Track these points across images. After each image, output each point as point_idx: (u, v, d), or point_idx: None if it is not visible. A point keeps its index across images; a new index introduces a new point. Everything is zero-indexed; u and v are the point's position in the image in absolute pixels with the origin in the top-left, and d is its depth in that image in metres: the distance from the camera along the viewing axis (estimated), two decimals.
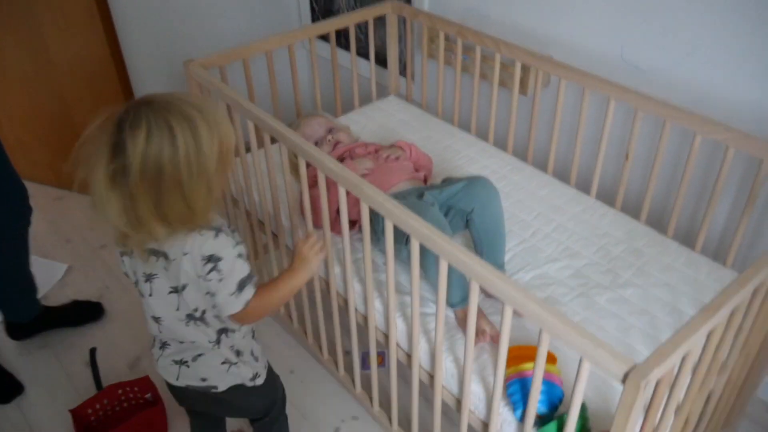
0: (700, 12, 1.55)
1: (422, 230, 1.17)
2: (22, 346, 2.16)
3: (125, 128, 1.01)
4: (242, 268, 1.14)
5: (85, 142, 1.05)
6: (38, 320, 2.15)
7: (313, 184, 1.73)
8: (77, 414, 1.78)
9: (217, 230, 1.11)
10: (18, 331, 2.15)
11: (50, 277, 2.43)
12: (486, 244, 1.57)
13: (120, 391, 1.87)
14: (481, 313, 1.43)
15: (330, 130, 1.93)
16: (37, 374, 2.07)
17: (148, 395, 1.91)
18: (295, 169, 1.84)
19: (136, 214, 1.05)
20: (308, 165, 1.47)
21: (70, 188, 2.88)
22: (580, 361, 0.98)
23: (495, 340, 1.39)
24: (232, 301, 1.14)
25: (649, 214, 1.76)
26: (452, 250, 1.12)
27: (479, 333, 1.39)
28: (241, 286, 1.14)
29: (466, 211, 1.57)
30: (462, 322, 1.44)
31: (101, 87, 2.43)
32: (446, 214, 1.59)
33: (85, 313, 2.24)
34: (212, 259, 1.10)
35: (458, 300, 1.45)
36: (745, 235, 1.65)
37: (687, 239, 1.81)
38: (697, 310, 1.46)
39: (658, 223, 1.85)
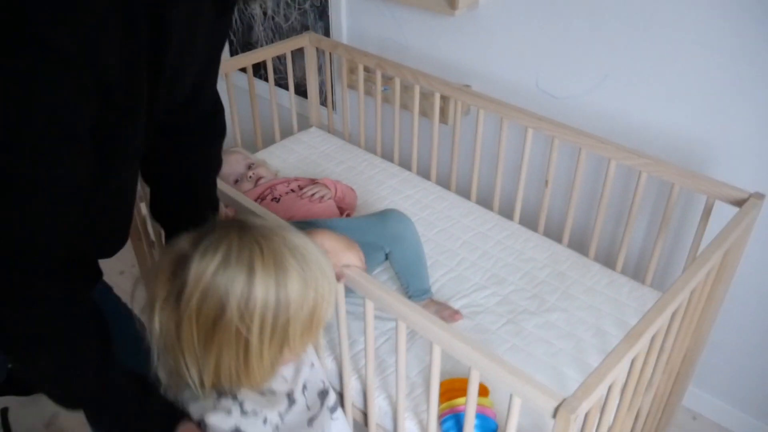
0: (611, 39, 1.61)
1: (346, 272, 1.15)
2: None
3: (199, 244, 0.83)
4: None
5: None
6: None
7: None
8: None
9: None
10: None
11: None
12: (409, 274, 1.58)
13: None
14: (441, 305, 1.55)
15: (249, 166, 1.89)
16: None
17: None
18: None
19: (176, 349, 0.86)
20: (227, 205, 1.43)
21: None
22: (511, 397, 0.98)
23: (457, 316, 1.53)
24: None
25: (571, 237, 1.81)
26: (378, 293, 1.10)
27: (449, 317, 1.51)
28: None
29: (382, 246, 1.57)
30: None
31: None
32: (365, 250, 1.58)
33: None
34: None
35: (419, 294, 1.55)
36: (662, 254, 1.71)
37: (608, 260, 1.86)
38: (620, 329, 1.51)
39: (579, 245, 1.90)
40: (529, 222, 1.95)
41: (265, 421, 0.93)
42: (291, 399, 0.99)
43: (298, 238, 0.87)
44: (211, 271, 0.80)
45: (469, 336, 1.03)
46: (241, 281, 0.80)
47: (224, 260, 0.80)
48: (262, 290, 0.80)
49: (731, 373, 1.83)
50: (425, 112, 2.01)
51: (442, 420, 1.23)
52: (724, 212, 1.57)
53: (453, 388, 1.26)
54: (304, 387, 1.03)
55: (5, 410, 1.97)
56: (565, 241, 1.78)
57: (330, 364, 1.45)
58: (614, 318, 1.54)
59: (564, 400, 0.92)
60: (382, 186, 2.01)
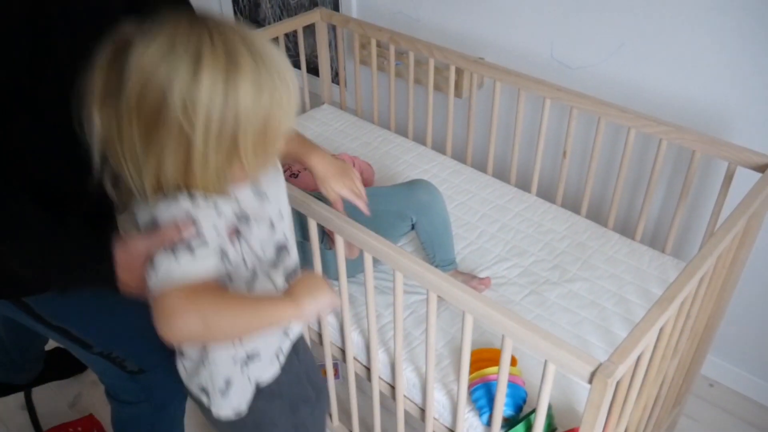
0: (626, 7, 1.60)
1: (374, 244, 1.15)
2: None
3: (143, 28, 0.74)
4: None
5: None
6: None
7: None
8: None
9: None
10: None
11: None
12: (436, 244, 1.58)
13: None
14: (466, 276, 1.57)
15: None
16: None
17: None
18: None
19: (118, 151, 0.78)
20: None
21: None
22: (545, 363, 0.99)
23: (487, 281, 1.56)
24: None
25: (589, 207, 1.81)
26: (407, 263, 1.11)
27: (477, 286, 1.53)
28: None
29: (409, 215, 1.57)
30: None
31: None
32: (391, 219, 1.58)
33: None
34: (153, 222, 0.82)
35: (445, 264, 1.57)
36: (681, 222, 1.72)
37: (626, 229, 1.87)
38: (642, 298, 1.52)
39: (597, 215, 1.90)
40: (547, 193, 1.95)
41: (219, 214, 0.83)
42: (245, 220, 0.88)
43: (258, 38, 0.78)
44: (153, 58, 0.72)
45: (501, 305, 1.03)
46: (185, 71, 0.72)
47: (169, 47, 0.72)
48: (209, 84, 0.72)
49: (748, 340, 1.84)
50: (439, 86, 2.00)
51: (471, 389, 1.24)
52: (744, 178, 1.57)
53: (482, 358, 1.27)
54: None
55: (29, 391, 1.99)
56: (583, 211, 1.78)
57: (356, 337, 1.46)
58: (636, 286, 1.55)
59: (600, 364, 0.92)
60: (398, 161, 2.01)
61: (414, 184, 1.57)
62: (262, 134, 0.78)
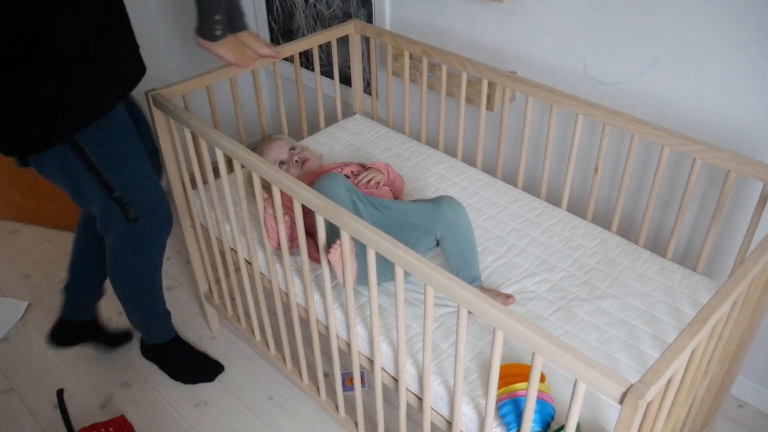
0: (662, 24, 1.60)
1: (405, 257, 1.16)
2: None
3: None
4: None
5: None
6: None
7: (288, 210, 1.71)
8: None
9: None
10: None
11: (10, 315, 2.33)
12: (460, 261, 1.59)
13: None
14: (491, 292, 1.57)
15: (292, 149, 1.92)
16: (2, 419, 1.98)
17: None
18: (267, 190, 1.82)
19: None
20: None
21: (26, 220, 2.78)
22: (576, 382, 0.99)
23: (512, 300, 1.56)
24: None
25: (619, 224, 1.80)
26: (439, 278, 1.12)
27: (503, 302, 1.53)
28: None
29: (435, 231, 1.58)
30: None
31: None
32: (417, 234, 1.59)
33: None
34: None
35: (468, 281, 1.57)
36: (713, 241, 1.70)
37: (656, 247, 1.86)
38: (673, 317, 1.51)
39: (628, 232, 1.89)
40: (577, 209, 1.95)
41: None
42: None
43: None
44: None
45: (532, 322, 1.04)
46: None
47: None
48: None
49: None
50: (471, 99, 2.02)
51: (499, 405, 1.25)
52: None
53: (510, 373, 1.27)
54: None
55: (61, 391, 2.04)
56: (614, 228, 1.77)
57: (385, 348, 1.48)
58: (666, 305, 1.54)
59: (631, 386, 0.93)
60: (428, 173, 2.02)
61: (440, 201, 1.58)
62: None
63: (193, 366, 2.10)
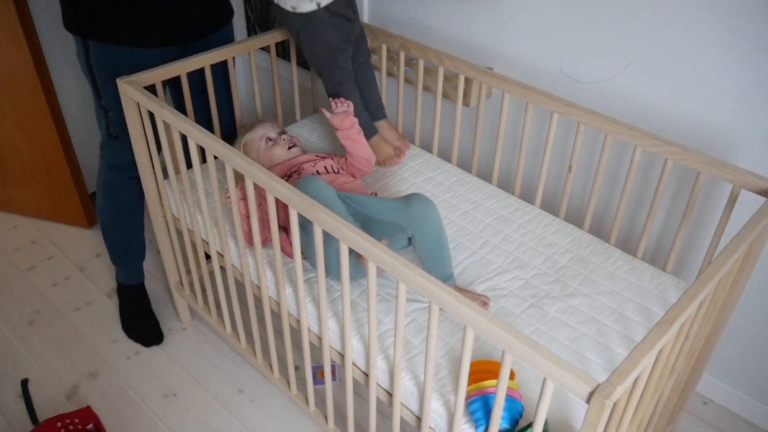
0: (637, 26, 1.61)
1: (378, 253, 1.16)
2: None
3: None
4: None
5: None
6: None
7: (260, 202, 1.69)
8: None
9: None
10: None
11: None
12: (432, 259, 1.58)
13: (59, 424, 1.78)
14: (464, 292, 1.56)
15: (281, 132, 1.90)
16: None
17: (89, 426, 1.82)
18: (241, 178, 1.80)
19: None
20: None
21: None
22: (544, 381, 1.00)
23: (487, 303, 1.55)
24: None
25: (592, 222, 1.82)
26: (411, 275, 1.11)
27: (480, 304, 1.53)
28: None
29: (406, 229, 1.58)
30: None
31: (25, 101, 2.31)
32: (389, 231, 1.59)
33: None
34: None
35: (443, 279, 1.57)
36: (682, 241, 1.73)
37: (627, 246, 1.88)
38: (642, 316, 1.53)
39: (600, 230, 1.91)
40: (551, 206, 1.96)
41: None
42: None
43: None
44: None
45: (503, 320, 1.04)
46: None
47: None
48: None
49: (742, 359, 1.85)
50: (447, 94, 2.01)
51: (469, 401, 1.25)
52: (747, 201, 1.59)
53: (481, 369, 1.27)
54: None
55: (26, 381, 2.00)
56: (586, 226, 1.79)
57: (356, 343, 1.47)
58: (635, 304, 1.56)
59: (599, 385, 0.93)
60: (403, 167, 2.01)
61: (409, 199, 1.58)
62: None
63: (139, 323, 2.17)
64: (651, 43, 1.61)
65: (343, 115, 1.80)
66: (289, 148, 1.87)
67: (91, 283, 2.39)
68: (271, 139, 1.87)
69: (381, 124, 2.01)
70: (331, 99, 1.84)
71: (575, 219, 1.92)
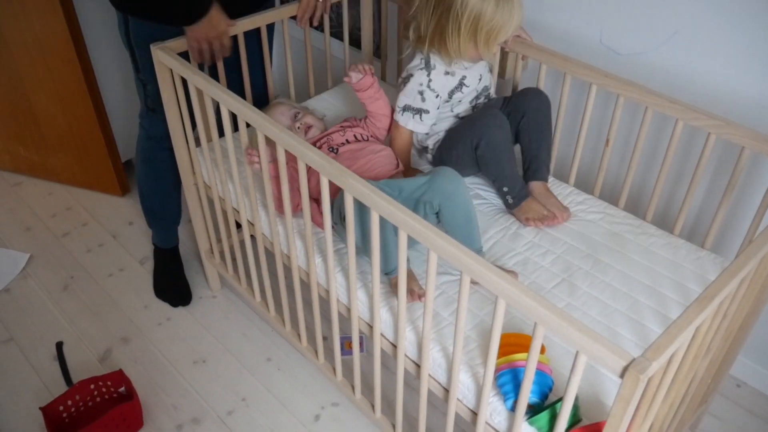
0: None
1: (411, 222, 1.14)
2: None
3: None
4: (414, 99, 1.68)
5: None
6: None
7: (291, 173, 1.69)
8: (49, 412, 1.72)
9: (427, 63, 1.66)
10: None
11: (11, 267, 2.33)
12: (460, 234, 1.56)
13: (92, 386, 1.82)
14: (411, 275, 1.49)
15: (295, 117, 1.88)
16: (1, 370, 1.99)
17: (121, 389, 1.86)
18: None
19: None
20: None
21: (29, 173, 2.77)
22: (577, 354, 0.98)
23: (422, 298, 1.45)
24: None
25: (628, 198, 1.77)
26: (443, 244, 1.10)
27: (408, 293, 1.45)
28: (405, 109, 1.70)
29: (433, 204, 1.55)
30: (394, 288, 1.50)
31: (61, 69, 2.33)
32: (415, 208, 1.57)
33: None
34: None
35: (392, 268, 1.50)
36: (722, 218, 1.68)
37: (663, 223, 1.83)
38: (678, 293, 1.49)
39: (635, 207, 1.87)
40: (585, 181, 1.91)
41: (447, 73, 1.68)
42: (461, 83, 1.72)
43: None
44: None
45: (535, 292, 1.02)
46: None
47: None
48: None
49: None
50: None
51: (498, 374, 1.24)
52: None
53: (510, 342, 1.26)
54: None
55: (60, 344, 2.05)
56: (621, 202, 1.75)
57: (385, 314, 1.47)
58: (671, 281, 1.52)
59: (634, 360, 0.91)
60: None
61: (436, 172, 1.55)
62: (491, 31, 1.55)
63: (169, 284, 2.23)
64: (699, 11, 1.54)
65: (364, 79, 1.80)
66: (306, 132, 1.86)
67: (124, 250, 2.42)
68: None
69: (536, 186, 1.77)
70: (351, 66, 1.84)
71: (610, 197, 1.88)
